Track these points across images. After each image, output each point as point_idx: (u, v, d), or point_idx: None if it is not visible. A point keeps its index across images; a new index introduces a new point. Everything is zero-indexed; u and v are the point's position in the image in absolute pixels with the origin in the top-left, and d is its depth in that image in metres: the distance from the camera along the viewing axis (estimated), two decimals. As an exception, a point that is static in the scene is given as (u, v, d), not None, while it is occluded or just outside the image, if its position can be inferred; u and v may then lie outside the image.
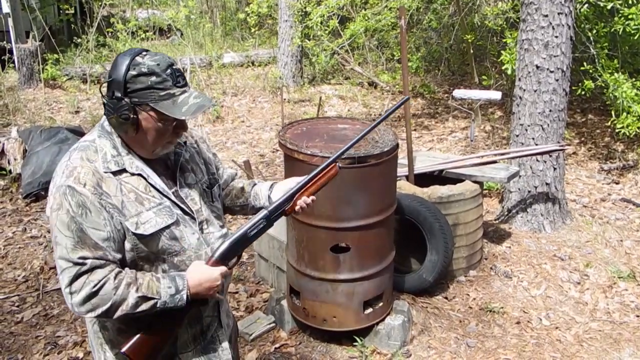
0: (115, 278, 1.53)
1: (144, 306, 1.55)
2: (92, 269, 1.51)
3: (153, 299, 1.55)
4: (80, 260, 1.51)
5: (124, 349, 1.58)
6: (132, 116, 1.54)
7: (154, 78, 1.53)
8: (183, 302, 1.58)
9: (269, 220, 1.73)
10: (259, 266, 3.93)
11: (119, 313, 1.54)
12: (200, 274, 1.62)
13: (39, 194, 5.06)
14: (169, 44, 11.08)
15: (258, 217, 1.72)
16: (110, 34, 9.16)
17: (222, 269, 1.65)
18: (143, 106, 1.55)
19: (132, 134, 1.58)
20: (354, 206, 2.89)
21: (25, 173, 5.17)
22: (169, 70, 1.55)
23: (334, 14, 7.09)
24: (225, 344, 1.84)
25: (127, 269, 1.59)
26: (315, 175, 1.79)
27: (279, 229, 3.58)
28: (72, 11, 10.02)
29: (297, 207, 1.78)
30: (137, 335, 1.59)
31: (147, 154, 1.64)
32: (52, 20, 10.71)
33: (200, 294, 1.62)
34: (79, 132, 5.59)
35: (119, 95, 1.54)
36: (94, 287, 1.50)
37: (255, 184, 1.97)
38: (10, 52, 8.40)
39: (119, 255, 1.57)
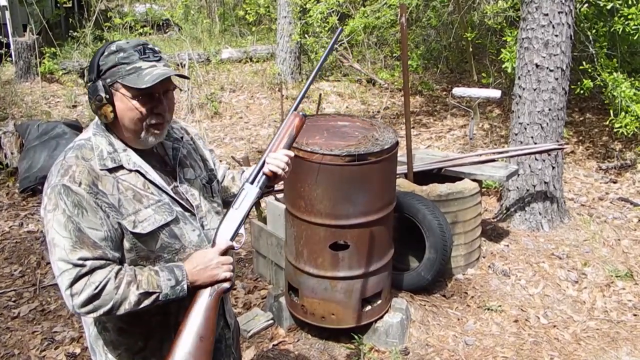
0: (115, 277, 1.51)
1: (147, 302, 1.54)
2: (92, 270, 1.50)
3: (154, 293, 1.54)
4: (80, 262, 1.49)
5: None
6: (105, 96, 1.53)
7: (121, 54, 1.53)
8: (184, 292, 1.58)
9: (250, 187, 1.71)
10: (257, 263, 3.92)
11: (121, 311, 1.53)
12: (195, 259, 1.61)
13: (35, 189, 5.04)
14: (167, 38, 11.04)
15: (239, 190, 1.72)
16: (107, 28, 9.12)
17: (217, 249, 1.63)
18: (115, 85, 1.54)
19: (111, 118, 1.57)
20: (353, 204, 2.88)
21: (22, 167, 5.15)
22: (139, 47, 1.55)
23: (333, 11, 7.07)
24: (230, 342, 1.84)
25: (126, 265, 1.57)
26: (280, 132, 1.82)
27: (278, 225, 3.57)
28: (70, 4, 9.96)
29: (274, 165, 1.72)
30: (176, 345, 1.56)
31: (136, 141, 1.61)
32: (50, 13, 10.64)
33: (200, 280, 1.59)
34: (76, 127, 5.57)
35: (93, 78, 1.56)
36: (96, 288, 1.49)
37: (243, 172, 1.97)
38: (7, 45, 8.35)
39: (117, 254, 1.56)
